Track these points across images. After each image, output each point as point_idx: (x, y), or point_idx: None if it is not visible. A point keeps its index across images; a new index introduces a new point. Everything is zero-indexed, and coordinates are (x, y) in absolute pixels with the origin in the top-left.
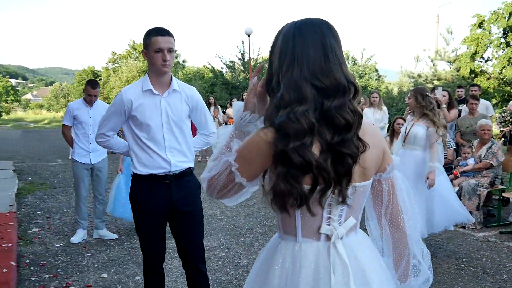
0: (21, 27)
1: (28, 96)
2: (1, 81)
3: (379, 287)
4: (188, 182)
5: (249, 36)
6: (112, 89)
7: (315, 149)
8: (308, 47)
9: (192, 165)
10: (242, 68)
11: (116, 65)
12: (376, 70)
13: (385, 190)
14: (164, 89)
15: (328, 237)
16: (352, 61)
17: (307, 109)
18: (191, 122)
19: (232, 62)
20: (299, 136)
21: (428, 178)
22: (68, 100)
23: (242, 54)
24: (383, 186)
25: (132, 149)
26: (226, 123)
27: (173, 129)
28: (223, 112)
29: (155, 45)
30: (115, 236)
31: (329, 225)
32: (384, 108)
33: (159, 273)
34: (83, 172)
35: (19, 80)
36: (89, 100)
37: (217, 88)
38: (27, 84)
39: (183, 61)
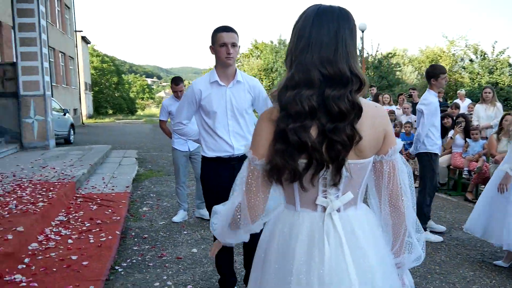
0: (156, 30)
1: (161, 94)
2: (139, 80)
3: (377, 263)
4: None
5: (363, 32)
6: None
7: (313, 132)
8: (322, 35)
9: None
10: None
11: (239, 63)
12: (510, 65)
13: (385, 172)
14: (229, 81)
15: (325, 209)
16: (481, 55)
17: (312, 94)
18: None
19: None
20: (300, 118)
21: None
22: None
23: (360, 51)
24: (384, 167)
25: (201, 135)
26: None
27: (237, 116)
28: None
29: (220, 40)
30: None
31: (325, 197)
32: (498, 104)
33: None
34: (182, 159)
35: (154, 79)
36: (177, 96)
37: None
38: (161, 83)
39: None
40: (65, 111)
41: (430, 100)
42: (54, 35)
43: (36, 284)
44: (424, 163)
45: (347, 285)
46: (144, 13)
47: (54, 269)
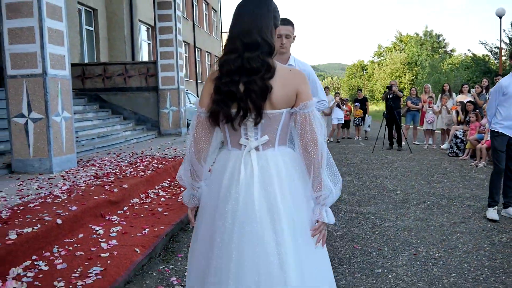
0: (302, 26)
1: None
2: None
3: (288, 192)
4: None
5: (500, 18)
6: (376, 82)
7: (241, 87)
8: (244, 15)
9: None
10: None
11: (382, 58)
12: None
13: (298, 121)
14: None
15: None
16: None
17: (235, 56)
18: None
19: (497, 47)
20: (229, 75)
21: None
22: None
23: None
24: (297, 118)
25: None
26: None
27: None
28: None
29: (277, 32)
30: None
31: (247, 139)
32: None
33: None
34: None
35: None
36: None
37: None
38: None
39: (451, 50)
40: None
41: (500, 82)
42: (200, 37)
43: (124, 223)
44: (491, 140)
45: (251, 199)
46: (290, 11)
47: (142, 215)
